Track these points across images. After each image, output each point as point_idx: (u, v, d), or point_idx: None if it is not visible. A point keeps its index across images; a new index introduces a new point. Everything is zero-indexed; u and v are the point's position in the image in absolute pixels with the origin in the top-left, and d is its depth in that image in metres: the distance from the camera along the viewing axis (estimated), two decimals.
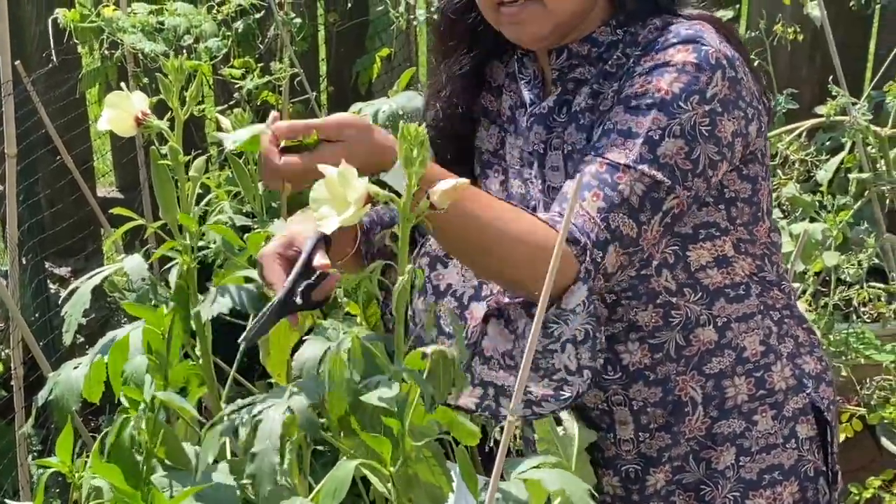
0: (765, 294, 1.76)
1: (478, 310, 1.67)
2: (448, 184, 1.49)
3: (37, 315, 3.20)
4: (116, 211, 1.77)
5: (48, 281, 3.57)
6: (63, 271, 3.84)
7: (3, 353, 3.53)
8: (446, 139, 1.86)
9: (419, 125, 1.40)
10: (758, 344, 1.75)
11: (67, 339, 1.66)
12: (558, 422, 1.70)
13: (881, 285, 2.69)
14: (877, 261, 2.73)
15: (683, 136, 1.58)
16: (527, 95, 1.77)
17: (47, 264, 3.58)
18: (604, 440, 1.77)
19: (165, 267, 2.54)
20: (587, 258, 1.53)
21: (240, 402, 1.53)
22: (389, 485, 1.42)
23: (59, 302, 1.71)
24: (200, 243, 1.73)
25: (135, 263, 1.68)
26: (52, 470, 1.25)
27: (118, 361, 1.48)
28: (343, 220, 1.47)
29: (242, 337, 1.57)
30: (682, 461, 1.75)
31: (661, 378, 1.74)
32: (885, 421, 2.55)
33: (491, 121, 1.85)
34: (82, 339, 3.05)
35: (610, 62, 1.70)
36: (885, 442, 2.67)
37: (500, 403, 1.63)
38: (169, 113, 1.64)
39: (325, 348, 1.59)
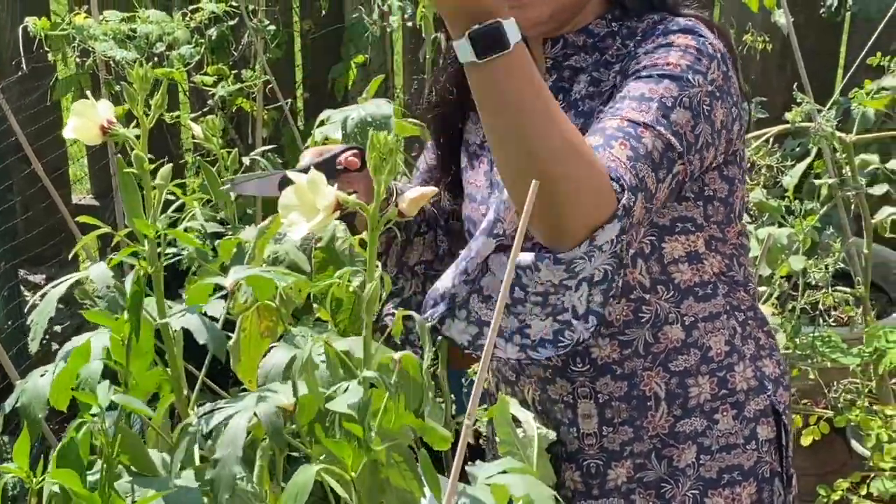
0: (731, 294, 1.79)
1: (485, 245, 1.67)
2: (416, 192, 1.51)
3: (9, 322, 3.20)
4: (83, 219, 1.77)
5: (22, 288, 3.57)
6: (37, 279, 3.84)
7: None
8: (439, 123, 1.92)
9: (388, 133, 1.41)
10: (723, 344, 1.78)
11: (33, 346, 1.66)
12: (517, 423, 1.71)
13: (847, 289, 2.72)
14: (843, 265, 2.76)
15: (691, 110, 1.60)
16: None
17: (21, 272, 3.58)
18: (567, 434, 1.79)
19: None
20: (624, 197, 1.50)
21: (207, 406, 1.54)
22: (352, 491, 1.42)
23: (26, 309, 1.71)
24: (174, 250, 1.73)
25: (100, 271, 1.68)
26: (9, 476, 1.24)
27: (77, 367, 1.49)
28: (312, 226, 1.48)
29: (229, 179, 1.60)
30: (644, 458, 1.77)
31: (628, 373, 1.76)
32: (853, 423, 2.57)
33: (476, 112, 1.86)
34: (57, 347, 3.05)
35: (609, 52, 1.74)
36: (854, 445, 2.70)
37: (495, 344, 1.62)
38: (135, 121, 1.65)
39: (291, 355, 1.60)
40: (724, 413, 1.79)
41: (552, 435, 1.74)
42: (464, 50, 1.45)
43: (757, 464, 1.80)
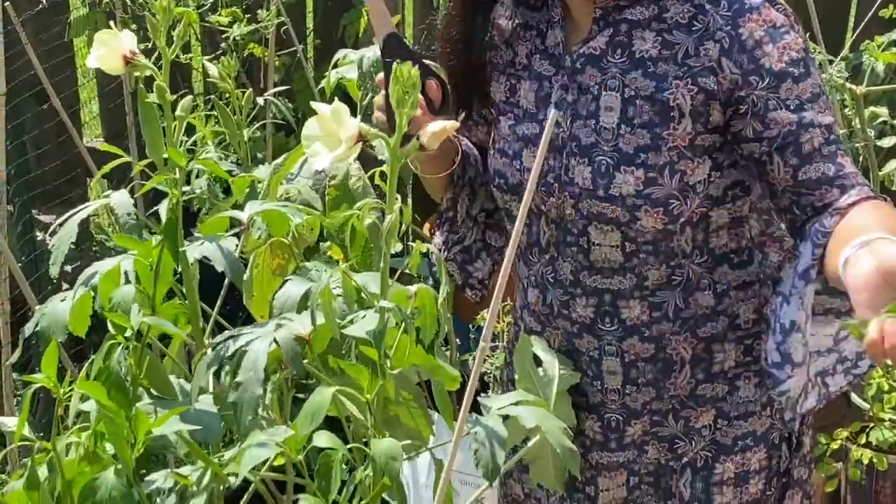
0: (765, 262, 1.80)
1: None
2: (438, 125, 1.53)
3: (23, 258, 3.22)
4: (104, 147, 1.80)
5: (34, 228, 3.59)
6: (48, 218, 3.86)
7: None
8: (458, 56, 1.87)
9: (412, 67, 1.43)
10: (751, 312, 1.79)
11: (54, 271, 1.69)
12: (538, 363, 1.73)
13: None
14: None
15: (823, 92, 1.69)
16: (559, 36, 1.78)
17: (34, 211, 3.60)
18: (590, 386, 1.79)
19: (149, 212, 2.56)
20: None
21: (226, 333, 1.57)
22: (367, 413, 1.45)
23: (48, 234, 1.73)
24: (185, 189, 1.75)
25: (121, 198, 1.70)
26: (37, 386, 1.27)
27: (108, 290, 1.51)
28: (335, 157, 1.50)
29: None
30: (661, 416, 1.79)
31: (656, 336, 1.77)
32: None
33: (500, 72, 1.86)
34: (67, 287, 3.07)
35: (672, 9, 1.69)
36: (854, 398, 2.72)
37: (827, 384, 1.72)
38: (156, 53, 1.67)
39: (306, 287, 1.63)
40: (747, 381, 1.80)
41: (576, 377, 1.75)
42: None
43: (769, 430, 1.81)
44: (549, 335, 1.82)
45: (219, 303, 2.50)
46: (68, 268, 3.52)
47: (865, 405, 2.63)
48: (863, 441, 2.58)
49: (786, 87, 1.64)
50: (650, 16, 1.71)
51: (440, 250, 1.95)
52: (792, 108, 1.64)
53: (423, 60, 1.77)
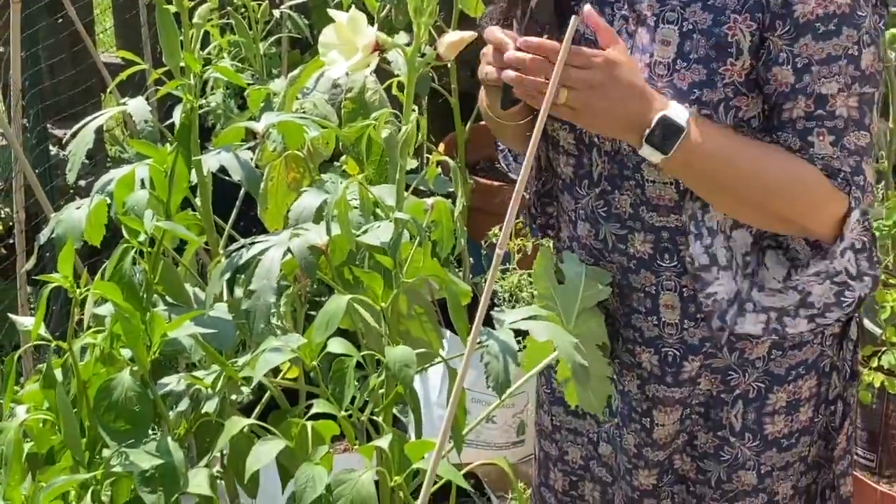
0: None
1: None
2: (455, 35, 1.51)
3: (36, 170, 3.22)
4: (120, 54, 1.78)
5: (48, 140, 3.58)
6: (61, 133, 3.84)
7: (2, 212, 3.56)
8: None
9: None
10: (803, 241, 1.73)
11: (71, 177, 1.69)
12: (560, 280, 1.71)
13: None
14: None
15: (874, 42, 1.62)
16: None
17: (47, 125, 3.59)
18: (644, 321, 1.77)
19: (164, 124, 2.56)
20: (852, 187, 1.62)
21: (241, 241, 1.57)
22: (382, 321, 1.45)
23: (63, 143, 1.72)
24: (200, 101, 1.74)
25: (138, 105, 1.69)
26: (52, 286, 1.27)
27: (122, 196, 1.51)
28: (351, 65, 1.49)
29: None
30: (717, 349, 1.76)
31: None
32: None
33: None
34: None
35: None
36: (867, 323, 2.72)
37: (784, 323, 1.71)
38: None
39: (321, 199, 1.63)
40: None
41: (606, 292, 1.72)
42: (649, 154, 1.59)
43: (819, 357, 1.80)
44: (602, 269, 1.78)
45: (232, 217, 2.50)
46: (82, 182, 3.52)
47: (877, 329, 2.63)
48: (874, 365, 2.59)
49: (803, 42, 1.58)
50: None
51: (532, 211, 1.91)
52: (798, 66, 1.59)
53: None
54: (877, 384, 2.55)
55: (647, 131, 1.57)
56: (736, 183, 1.63)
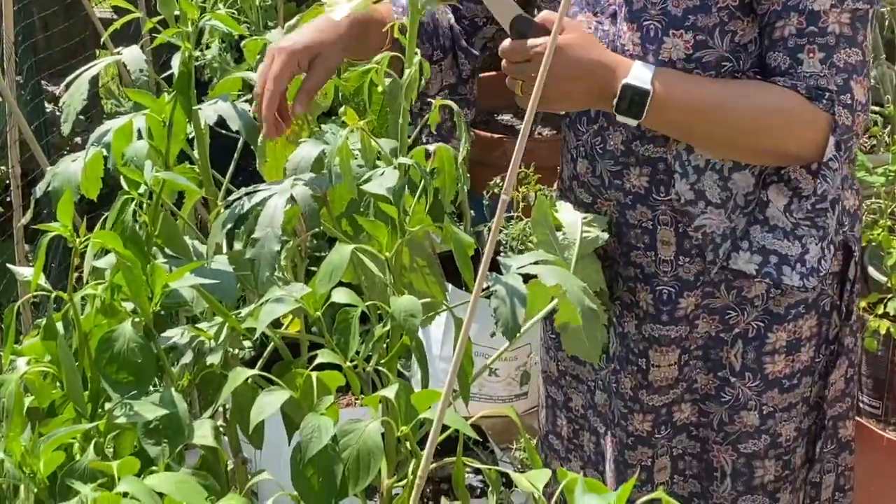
0: None
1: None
2: None
3: (32, 127, 3.19)
4: (114, 2, 1.75)
5: (42, 94, 3.55)
6: (55, 89, 3.80)
7: None
8: None
9: None
10: (808, 178, 1.72)
11: (66, 129, 1.66)
12: (559, 228, 1.70)
13: (876, 107, 2.69)
14: (872, 82, 2.73)
15: None
16: None
17: (43, 83, 3.55)
18: (643, 257, 1.77)
19: (163, 75, 2.53)
20: (836, 106, 1.61)
21: (242, 190, 1.54)
22: (386, 270, 1.43)
23: (57, 94, 1.70)
24: (196, 53, 1.72)
25: (133, 54, 1.67)
26: (52, 235, 1.25)
27: (120, 147, 1.48)
28: (352, 7, 1.46)
29: None
30: (713, 287, 1.76)
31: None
32: (873, 243, 2.57)
33: None
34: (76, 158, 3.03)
35: None
36: (871, 271, 2.70)
37: (782, 272, 1.71)
38: None
39: (320, 149, 1.60)
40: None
41: (603, 238, 1.72)
42: (624, 120, 1.62)
43: (819, 296, 1.79)
44: (600, 205, 1.79)
45: (230, 171, 2.47)
46: (78, 140, 3.49)
47: (883, 276, 2.61)
48: (880, 311, 2.57)
49: None
50: None
51: None
52: None
53: None
54: (882, 331, 2.53)
55: (615, 101, 1.59)
56: (712, 128, 1.64)
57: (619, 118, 1.61)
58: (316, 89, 1.67)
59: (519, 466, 2.70)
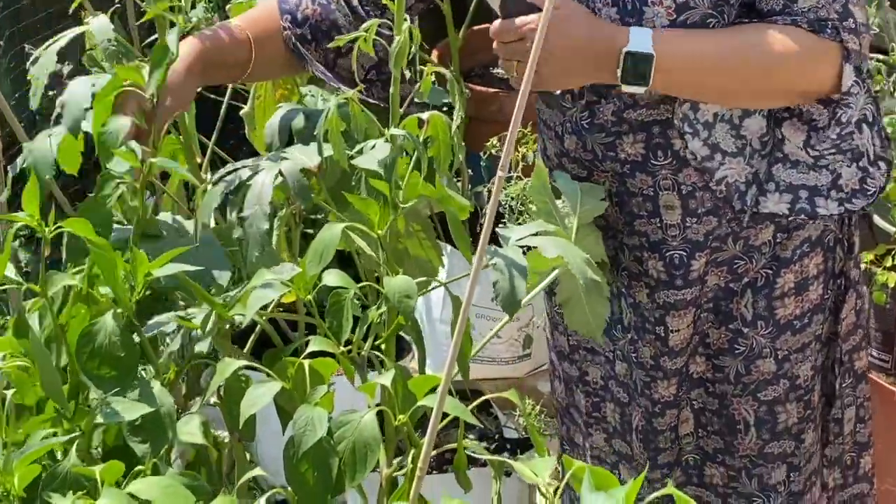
0: None
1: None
2: None
3: (15, 95, 3.13)
4: None
5: (25, 63, 3.47)
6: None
7: None
8: None
9: None
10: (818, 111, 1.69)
11: (34, 102, 1.62)
12: (558, 196, 1.65)
13: (881, 56, 2.63)
14: (877, 29, 2.66)
15: None
16: None
17: (25, 46, 3.47)
18: (647, 225, 1.72)
19: (144, 43, 2.46)
20: (842, 33, 1.57)
21: (228, 166, 1.48)
22: (378, 249, 1.37)
23: (27, 65, 1.65)
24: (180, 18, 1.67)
25: (100, 23, 1.62)
26: (19, 225, 1.18)
27: (101, 119, 1.42)
28: None
29: None
30: (720, 241, 1.72)
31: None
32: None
33: None
34: None
35: None
36: (877, 220, 2.66)
37: (815, 203, 1.67)
38: None
39: (299, 115, 1.55)
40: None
41: (602, 206, 1.66)
42: (631, 90, 1.57)
43: (823, 233, 1.76)
44: (598, 177, 1.73)
45: (215, 135, 2.41)
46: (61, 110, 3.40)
47: (890, 227, 2.56)
48: (888, 264, 2.53)
49: None
50: None
51: None
52: None
53: None
54: (891, 284, 2.49)
55: (619, 72, 1.54)
56: (724, 80, 1.61)
57: (625, 88, 1.56)
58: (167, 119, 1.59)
59: (523, 433, 2.66)
